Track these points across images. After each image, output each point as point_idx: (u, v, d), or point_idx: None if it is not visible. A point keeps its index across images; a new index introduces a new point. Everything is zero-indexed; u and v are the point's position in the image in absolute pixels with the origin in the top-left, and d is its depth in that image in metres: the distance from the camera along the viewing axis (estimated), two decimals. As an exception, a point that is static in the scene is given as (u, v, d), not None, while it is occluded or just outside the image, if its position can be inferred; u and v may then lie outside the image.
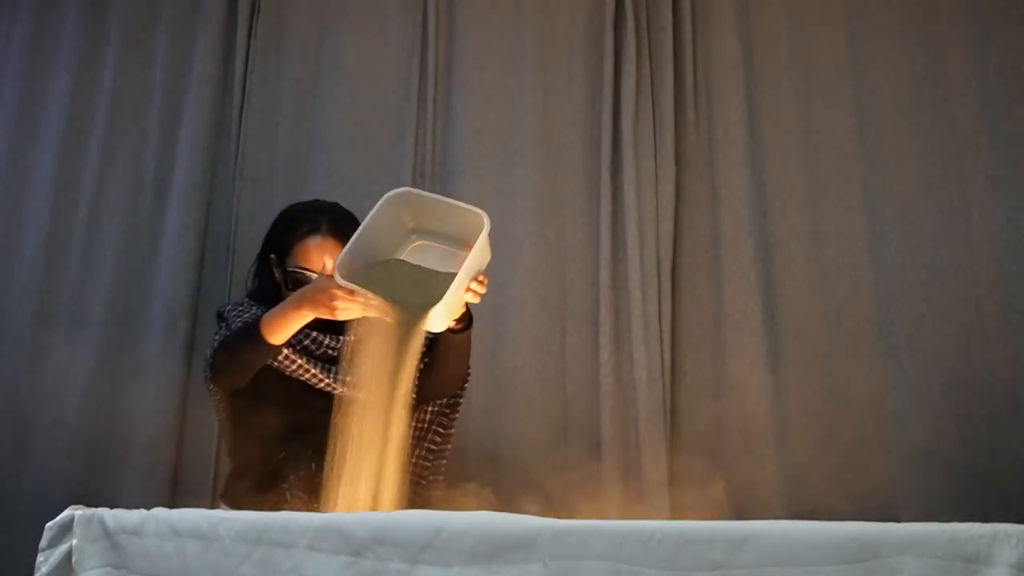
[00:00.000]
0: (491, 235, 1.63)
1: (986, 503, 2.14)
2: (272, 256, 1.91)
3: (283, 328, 1.68)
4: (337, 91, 2.55)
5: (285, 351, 1.76)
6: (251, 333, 1.70)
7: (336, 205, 1.97)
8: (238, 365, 1.76)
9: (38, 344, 2.46)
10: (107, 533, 1.28)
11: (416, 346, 1.60)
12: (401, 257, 1.73)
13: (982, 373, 2.23)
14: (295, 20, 2.62)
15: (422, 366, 1.77)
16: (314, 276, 1.78)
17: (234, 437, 1.90)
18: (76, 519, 1.30)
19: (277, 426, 1.81)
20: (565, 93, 2.53)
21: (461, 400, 1.95)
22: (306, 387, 1.81)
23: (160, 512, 1.30)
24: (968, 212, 2.33)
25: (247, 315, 1.83)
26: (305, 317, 1.67)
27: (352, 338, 1.71)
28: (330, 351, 1.82)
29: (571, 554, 1.12)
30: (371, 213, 1.65)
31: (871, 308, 2.32)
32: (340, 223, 1.88)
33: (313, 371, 1.79)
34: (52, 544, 1.29)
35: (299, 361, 1.78)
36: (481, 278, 1.64)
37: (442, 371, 1.83)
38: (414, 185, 2.47)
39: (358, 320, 1.65)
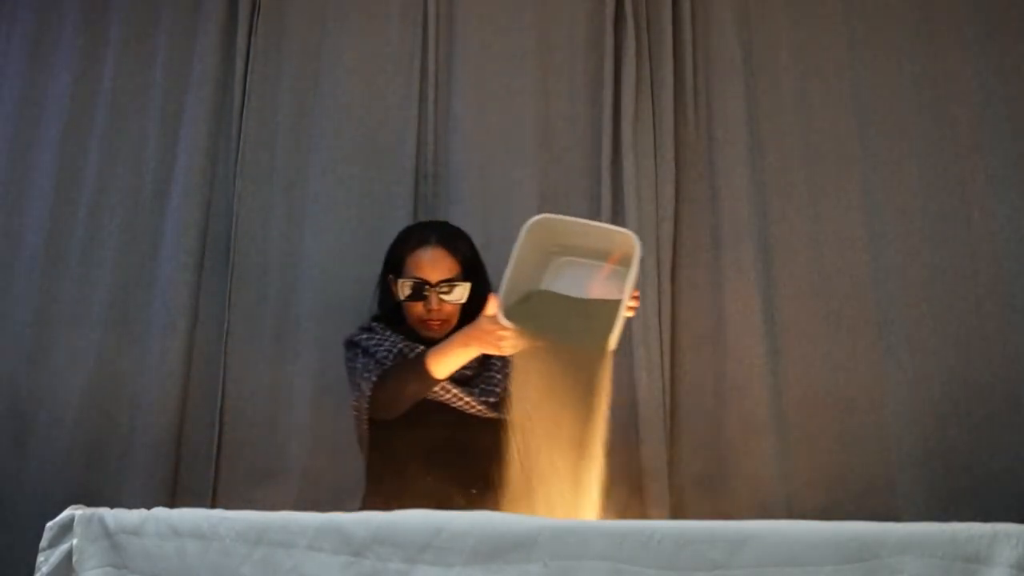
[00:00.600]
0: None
1: (986, 503, 2.13)
2: (390, 276, 2.00)
3: (451, 365, 1.80)
4: (337, 91, 2.55)
5: None
6: (418, 369, 1.81)
7: (445, 222, 2.11)
8: (402, 399, 1.85)
9: (38, 344, 2.46)
10: (107, 533, 1.29)
11: (608, 371, 1.68)
12: (547, 276, 1.81)
13: (982, 373, 2.23)
14: (295, 20, 2.62)
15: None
16: (425, 283, 1.91)
17: (376, 458, 1.97)
18: (76, 519, 1.30)
19: (417, 445, 1.88)
20: (565, 93, 2.53)
21: None
22: (439, 407, 1.89)
23: (160, 512, 1.30)
24: (968, 212, 2.33)
25: (387, 343, 1.93)
26: (472, 354, 1.79)
27: (516, 367, 1.81)
28: (467, 371, 1.89)
29: (571, 554, 1.12)
30: (516, 244, 1.72)
31: (871, 308, 2.32)
32: (449, 235, 2.00)
33: (467, 399, 1.89)
34: (52, 544, 1.30)
35: (454, 390, 1.88)
36: (635, 293, 1.71)
37: None
38: (416, 185, 2.48)
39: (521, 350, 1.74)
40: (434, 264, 1.94)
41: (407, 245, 1.99)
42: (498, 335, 1.70)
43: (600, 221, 2.39)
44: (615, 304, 1.65)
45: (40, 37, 2.69)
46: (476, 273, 2.01)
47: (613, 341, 1.63)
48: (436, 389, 1.86)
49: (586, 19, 2.55)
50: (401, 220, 2.44)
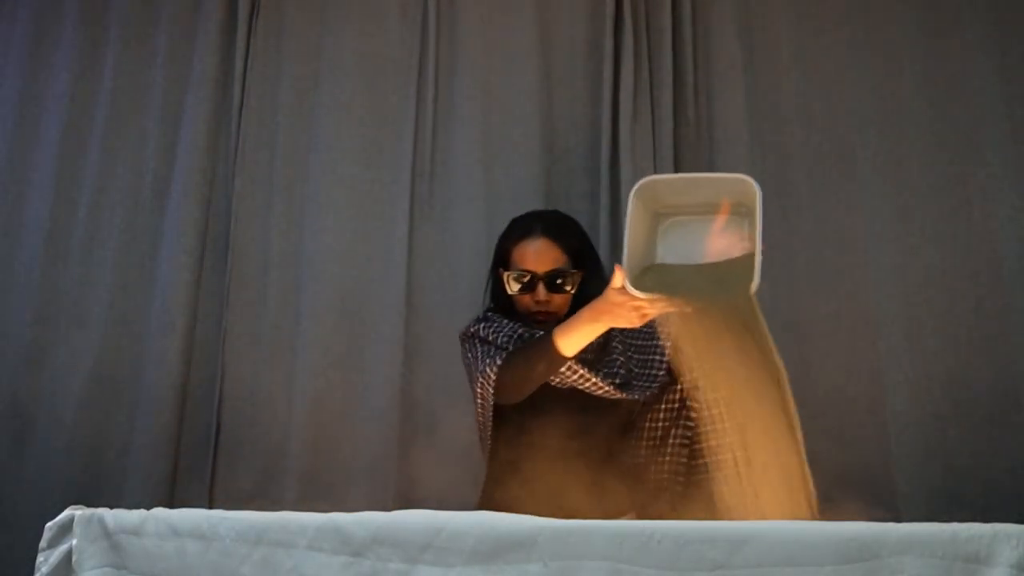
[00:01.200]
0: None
1: (986, 503, 2.13)
2: (500, 269, 1.99)
3: (580, 341, 1.73)
4: (336, 91, 2.55)
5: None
6: (546, 348, 1.76)
7: (554, 211, 2.07)
8: (529, 380, 1.81)
9: (38, 343, 2.46)
10: (107, 533, 1.28)
11: (760, 314, 1.63)
12: (659, 242, 1.75)
13: (982, 373, 2.23)
14: (294, 19, 2.62)
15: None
16: (532, 275, 1.90)
17: (501, 448, 1.93)
18: (76, 519, 1.30)
19: (547, 433, 1.84)
20: (565, 93, 2.53)
21: None
22: (564, 393, 1.85)
23: (160, 512, 1.30)
24: (968, 212, 2.32)
25: (507, 328, 1.90)
26: (601, 329, 1.72)
27: (672, 336, 1.74)
28: (587, 355, 1.83)
29: (571, 554, 1.12)
30: (628, 214, 1.67)
31: (871, 308, 2.31)
32: (554, 224, 1.98)
33: (594, 379, 1.83)
34: (52, 544, 1.29)
35: (581, 371, 1.82)
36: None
37: None
38: (413, 184, 2.47)
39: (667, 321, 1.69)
40: (539, 255, 1.92)
41: (512, 237, 1.98)
42: (632, 306, 1.63)
43: (599, 221, 2.40)
44: (738, 260, 1.61)
45: (40, 37, 2.70)
46: (587, 261, 1.99)
47: (754, 285, 1.56)
48: (563, 371, 1.81)
49: (586, 19, 2.55)
50: (400, 220, 2.44)
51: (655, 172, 2.41)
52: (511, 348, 1.87)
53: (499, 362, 1.83)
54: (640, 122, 2.43)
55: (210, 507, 2.22)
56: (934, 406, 2.23)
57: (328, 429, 2.34)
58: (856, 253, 2.35)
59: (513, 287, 1.94)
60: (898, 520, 1.14)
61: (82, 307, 2.48)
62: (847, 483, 2.20)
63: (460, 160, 2.49)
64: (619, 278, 1.63)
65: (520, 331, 1.90)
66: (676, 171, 2.43)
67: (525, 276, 1.92)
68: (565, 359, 1.76)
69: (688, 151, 2.46)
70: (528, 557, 1.12)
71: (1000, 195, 2.30)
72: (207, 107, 2.55)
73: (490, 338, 1.90)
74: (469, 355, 1.93)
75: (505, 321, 1.93)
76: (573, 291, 1.94)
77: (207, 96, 2.55)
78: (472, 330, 1.96)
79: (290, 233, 2.49)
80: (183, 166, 2.51)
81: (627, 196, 2.34)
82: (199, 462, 2.36)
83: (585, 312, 1.72)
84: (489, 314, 1.99)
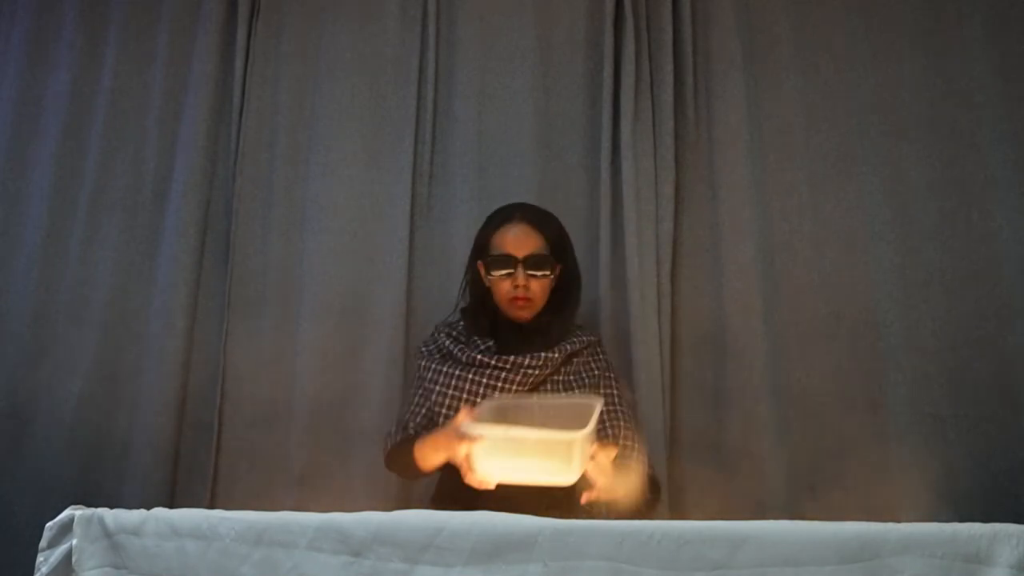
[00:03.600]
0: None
1: (986, 503, 2.13)
2: (477, 260, 1.99)
3: (431, 461, 1.76)
4: (336, 91, 2.55)
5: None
6: (409, 458, 1.80)
7: (533, 204, 2.07)
8: (405, 475, 1.94)
9: (37, 343, 2.46)
10: (107, 533, 1.29)
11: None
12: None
13: (982, 373, 2.23)
14: (294, 20, 2.62)
15: None
16: (511, 258, 1.91)
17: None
18: (76, 519, 1.30)
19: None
20: (565, 93, 2.53)
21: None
22: None
23: (160, 512, 1.30)
24: (968, 212, 2.33)
25: (440, 385, 1.91)
26: (443, 457, 1.72)
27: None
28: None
29: (571, 554, 1.12)
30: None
31: (871, 308, 2.32)
32: (534, 212, 1.99)
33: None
34: (52, 544, 1.29)
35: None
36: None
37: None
38: (414, 185, 2.47)
39: None
40: (519, 240, 1.92)
41: (492, 225, 1.98)
42: (461, 445, 1.59)
43: (599, 221, 2.39)
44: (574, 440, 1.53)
45: (40, 37, 2.70)
46: (564, 255, 2.00)
47: (572, 476, 1.54)
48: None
49: (586, 19, 2.55)
50: (400, 220, 2.44)
51: (655, 172, 2.41)
52: (411, 429, 1.91)
53: (390, 445, 1.92)
54: (641, 121, 2.43)
55: (210, 507, 2.22)
56: (934, 406, 2.23)
57: (328, 429, 2.34)
58: (856, 253, 2.36)
59: (492, 271, 1.93)
60: (898, 520, 1.14)
61: (81, 307, 2.48)
62: (847, 483, 2.21)
63: (460, 160, 2.49)
64: (463, 415, 1.64)
65: (450, 396, 1.89)
66: (677, 171, 2.42)
67: (505, 259, 1.92)
68: (424, 472, 1.79)
69: (688, 151, 2.46)
70: (528, 557, 1.12)
71: (1000, 195, 2.31)
72: (207, 107, 2.55)
73: (427, 384, 1.92)
74: (414, 376, 1.99)
75: (447, 366, 1.92)
76: (552, 276, 1.95)
77: (207, 96, 2.55)
78: (425, 349, 1.99)
79: (290, 233, 2.49)
80: (183, 166, 2.51)
81: (627, 196, 2.37)
82: (199, 462, 2.36)
83: (440, 436, 1.72)
84: (451, 330, 2.00)
